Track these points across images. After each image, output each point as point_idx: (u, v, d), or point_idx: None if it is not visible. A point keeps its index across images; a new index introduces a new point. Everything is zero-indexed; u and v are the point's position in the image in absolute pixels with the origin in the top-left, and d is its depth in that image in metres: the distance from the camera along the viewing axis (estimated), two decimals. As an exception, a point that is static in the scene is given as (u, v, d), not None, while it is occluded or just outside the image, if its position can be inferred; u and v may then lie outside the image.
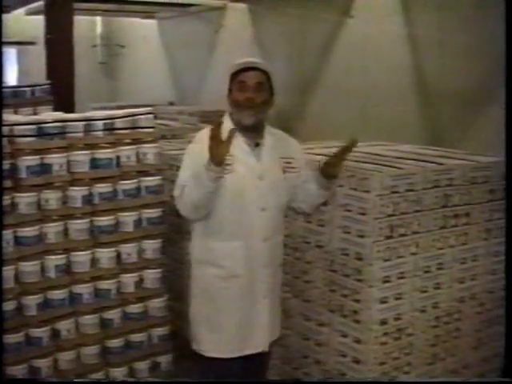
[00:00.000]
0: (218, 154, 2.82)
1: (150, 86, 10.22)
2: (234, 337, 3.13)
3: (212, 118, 6.14)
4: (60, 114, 3.80)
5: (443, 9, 6.01)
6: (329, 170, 3.06)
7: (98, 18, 10.91)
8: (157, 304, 3.89)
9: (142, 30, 10.40)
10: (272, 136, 3.19)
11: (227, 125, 3.08)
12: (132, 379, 3.83)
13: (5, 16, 9.05)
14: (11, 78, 9.78)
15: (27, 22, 8.95)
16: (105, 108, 5.72)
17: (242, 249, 3.08)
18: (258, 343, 3.18)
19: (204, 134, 3.17)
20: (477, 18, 5.60)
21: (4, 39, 8.48)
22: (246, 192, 3.07)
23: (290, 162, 3.19)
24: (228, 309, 3.12)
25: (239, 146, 3.07)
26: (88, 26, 10.81)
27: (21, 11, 9.03)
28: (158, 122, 6.59)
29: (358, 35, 6.89)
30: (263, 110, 3.12)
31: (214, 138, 2.79)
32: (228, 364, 3.15)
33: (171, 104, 9.18)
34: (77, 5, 8.39)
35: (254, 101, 3.07)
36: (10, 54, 10.05)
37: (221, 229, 3.08)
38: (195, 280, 3.23)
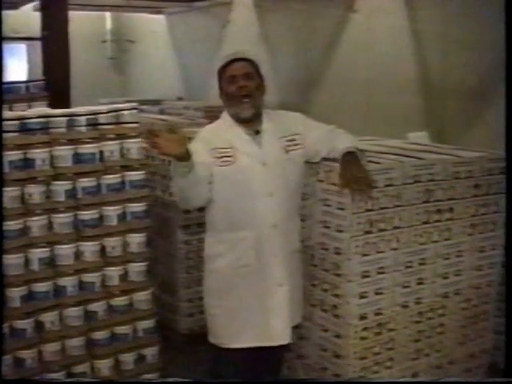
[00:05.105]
0: (173, 152, 2.84)
1: (160, 81, 10.25)
2: (252, 325, 3.16)
3: (217, 114, 6.16)
4: (44, 110, 3.85)
5: (447, 3, 5.97)
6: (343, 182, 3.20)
7: (108, 14, 10.92)
8: (142, 297, 3.92)
9: (151, 26, 10.42)
10: (271, 121, 3.21)
11: (227, 120, 3.17)
12: (117, 371, 3.87)
13: (13, 12, 9.17)
14: (21, 73, 9.85)
15: (35, 18, 9.01)
16: (113, 103, 5.74)
17: (250, 238, 3.11)
18: (278, 334, 3.19)
19: (203, 131, 3.26)
20: (481, 11, 5.55)
21: (13, 35, 8.60)
22: (250, 180, 3.09)
23: (293, 139, 3.21)
24: (243, 298, 3.15)
25: (239, 137, 3.12)
26: (97, 22, 10.84)
27: (29, 7, 9.09)
28: (159, 116, 6.65)
29: (363, 30, 6.87)
30: (258, 96, 3.15)
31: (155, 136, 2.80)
32: (245, 356, 3.18)
33: (180, 99, 9.21)
34: (85, 0, 8.48)
35: (247, 88, 3.09)
36: (20, 49, 10.13)
37: (228, 220, 3.11)
38: (209, 275, 3.27)
